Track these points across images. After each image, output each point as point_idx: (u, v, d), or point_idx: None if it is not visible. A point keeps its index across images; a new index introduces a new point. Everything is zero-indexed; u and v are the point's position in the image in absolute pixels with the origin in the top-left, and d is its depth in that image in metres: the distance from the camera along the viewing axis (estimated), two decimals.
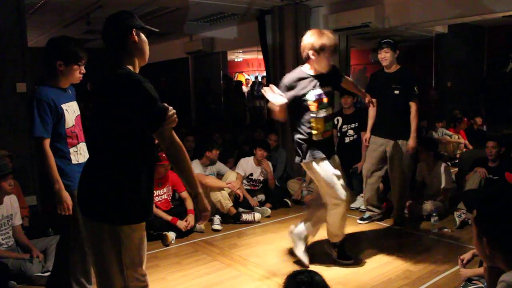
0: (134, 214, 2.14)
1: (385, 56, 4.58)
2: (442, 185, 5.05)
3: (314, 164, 3.62)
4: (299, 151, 3.68)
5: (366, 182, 4.96)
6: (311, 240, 4.01)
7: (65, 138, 2.85)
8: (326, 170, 3.61)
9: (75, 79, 2.91)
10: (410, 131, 4.54)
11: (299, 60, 6.70)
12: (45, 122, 2.74)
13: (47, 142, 2.75)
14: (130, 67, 2.16)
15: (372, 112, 4.84)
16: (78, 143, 2.94)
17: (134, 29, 2.17)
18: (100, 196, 2.13)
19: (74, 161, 2.90)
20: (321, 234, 4.02)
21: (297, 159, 3.72)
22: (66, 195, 2.77)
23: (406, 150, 4.57)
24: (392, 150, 4.64)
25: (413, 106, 4.55)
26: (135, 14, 2.28)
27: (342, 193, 3.59)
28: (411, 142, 4.54)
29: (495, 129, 6.75)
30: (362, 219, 5.01)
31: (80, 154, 2.95)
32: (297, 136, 3.69)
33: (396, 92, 4.55)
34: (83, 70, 2.91)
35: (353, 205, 5.57)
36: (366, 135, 4.93)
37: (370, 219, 4.99)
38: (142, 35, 2.23)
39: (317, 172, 3.62)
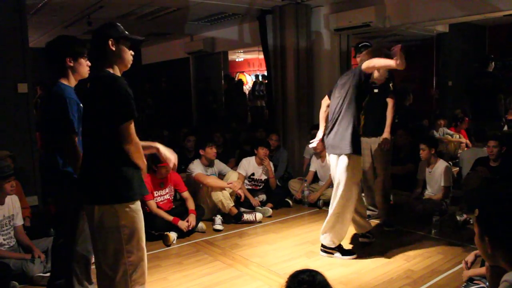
0: (126, 193, 2.41)
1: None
2: (442, 184, 5.04)
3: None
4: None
5: (367, 181, 4.99)
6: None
7: (80, 136, 2.87)
8: None
9: (85, 73, 2.98)
10: (392, 127, 4.69)
11: (300, 59, 6.74)
12: (75, 120, 2.80)
13: (77, 139, 2.82)
14: (110, 70, 2.45)
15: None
16: None
17: (111, 39, 2.44)
18: (96, 181, 2.42)
19: None
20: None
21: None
22: (163, 149, 2.81)
23: (379, 145, 4.66)
24: (375, 148, 4.75)
25: (389, 102, 4.66)
26: (120, 25, 2.54)
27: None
28: (384, 135, 4.64)
29: (479, 127, 6.82)
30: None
31: None
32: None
33: (375, 90, 4.65)
34: (89, 63, 2.99)
35: None
36: None
37: (369, 217, 4.99)
38: (121, 44, 2.48)
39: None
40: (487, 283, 2.61)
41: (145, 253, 2.51)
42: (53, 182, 2.96)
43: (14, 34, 4.96)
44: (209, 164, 5.35)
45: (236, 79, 12.69)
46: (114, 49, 2.45)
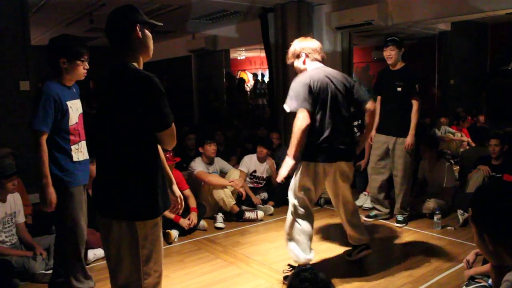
0: (150, 209, 2.14)
1: (390, 54, 4.62)
2: (444, 184, 5.04)
3: None
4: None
5: (371, 179, 4.98)
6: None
7: (68, 135, 2.88)
8: None
9: (79, 75, 2.94)
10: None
11: None
12: (48, 117, 2.77)
13: (44, 136, 2.79)
14: (135, 64, 2.14)
15: (378, 110, 4.83)
16: (80, 141, 2.97)
17: (138, 25, 2.13)
18: (116, 194, 2.13)
19: (75, 159, 2.93)
20: (320, 231, 4.02)
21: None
22: (51, 192, 2.82)
23: (404, 147, 4.59)
24: (394, 148, 4.67)
25: (414, 104, 4.56)
26: (139, 9, 2.24)
27: None
28: (409, 139, 4.57)
29: (497, 126, 6.74)
30: (368, 216, 5.00)
31: (80, 152, 2.97)
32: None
33: (399, 89, 4.58)
34: (86, 66, 2.94)
35: (356, 203, 5.56)
36: (372, 133, 4.91)
37: (376, 217, 4.99)
38: (146, 31, 2.18)
39: None
40: (489, 281, 2.61)
41: (162, 275, 2.27)
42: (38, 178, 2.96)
43: (16, 32, 4.98)
44: (210, 161, 5.35)
45: (237, 77, 12.69)
46: (141, 36, 2.13)
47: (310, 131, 3.28)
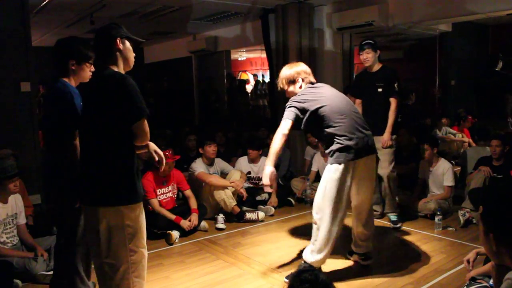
0: (133, 194, 2.44)
1: (367, 57, 4.70)
2: (445, 184, 5.03)
3: None
4: None
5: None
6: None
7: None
8: None
9: (85, 78, 2.95)
10: (395, 127, 4.68)
11: (302, 58, 6.72)
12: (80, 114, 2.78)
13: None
14: (115, 68, 2.45)
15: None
16: None
17: (118, 38, 2.46)
18: (102, 184, 2.41)
19: None
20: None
21: None
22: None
23: (381, 145, 4.63)
24: (378, 147, 4.69)
25: (392, 102, 4.63)
26: (123, 25, 2.56)
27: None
28: (385, 136, 4.63)
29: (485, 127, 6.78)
30: (394, 222, 4.87)
31: None
32: None
33: (380, 90, 4.66)
34: (92, 68, 2.96)
35: None
36: None
37: (400, 219, 4.91)
38: (127, 44, 2.51)
39: None
40: (490, 282, 2.61)
41: (146, 250, 2.53)
42: (51, 180, 2.96)
43: (17, 33, 4.98)
44: (210, 162, 5.35)
45: (238, 78, 12.68)
46: (121, 47, 2.47)
47: None
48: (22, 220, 3.82)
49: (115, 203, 2.39)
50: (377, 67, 4.73)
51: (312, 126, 3.53)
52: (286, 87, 3.61)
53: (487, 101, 6.58)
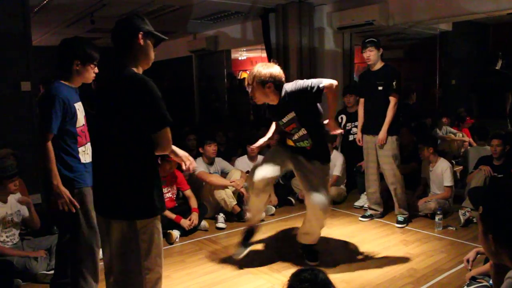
0: (149, 209, 2.23)
1: (369, 55, 4.68)
2: (445, 184, 5.03)
3: None
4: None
5: (368, 180, 4.99)
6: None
7: (76, 137, 2.88)
8: None
9: (89, 78, 2.95)
10: (396, 127, 4.68)
11: (303, 58, 6.73)
12: (57, 119, 2.78)
13: (51, 138, 2.80)
14: (134, 69, 2.23)
15: (361, 111, 4.95)
16: (86, 143, 2.97)
17: (141, 33, 2.23)
18: (116, 195, 2.21)
19: (82, 161, 2.93)
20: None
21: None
22: (64, 190, 2.80)
23: (393, 145, 4.65)
24: (378, 147, 4.73)
25: (391, 100, 4.62)
26: (145, 18, 2.32)
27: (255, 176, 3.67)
28: (380, 134, 4.63)
29: (485, 125, 6.77)
30: (363, 216, 5.04)
31: (87, 154, 2.97)
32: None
33: (380, 88, 4.65)
34: (96, 70, 2.96)
35: (357, 204, 5.58)
36: (358, 135, 5.03)
37: (371, 217, 5.03)
38: (149, 40, 2.28)
39: None
40: (490, 281, 2.60)
41: (162, 270, 2.33)
42: (48, 182, 2.96)
43: (17, 33, 4.98)
44: (210, 162, 5.35)
45: (238, 77, 12.67)
46: (142, 44, 2.24)
47: None
48: (26, 213, 3.81)
49: (129, 217, 2.19)
50: (379, 65, 4.71)
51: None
52: (253, 86, 3.51)
53: (486, 100, 6.58)
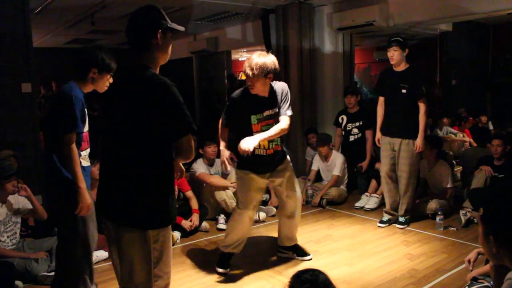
0: (163, 218, 2.18)
1: (393, 54, 4.55)
2: (444, 185, 5.03)
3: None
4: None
5: (386, 184, 4.83)
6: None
7: (80, 142, 2.87)
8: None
9: (103, 88, 2.92)
10: (417, 130, 4.53)
11: (303, 59, 6.73)
12: (78, 119, 2.75)
13: (75, 138, 2.75)
14: (152, 68, 2.14)
15: (380, 111, 4.82)
16: (87, 148, 2.97)
17: (160, 30, 2.12)
18: (129, 201, 2.12)
19: (82, 164, 2.92)
20: (322, 233, 4.02)
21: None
22: (88, 196, 2.78)
23: (413, 149, 4.54)
24: (400, 149, 4.61)
25: (421, 106, 4.52)
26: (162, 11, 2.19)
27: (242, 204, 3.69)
28: (419, 141, 4.51)
29: (501, 127, 6.72)
30: (382, 222, 4.83)
31: (87, 158, 2.98)
32: None
33: (404, 91, 4.53)
34: (111, 80, 2.92)
35: (357, 204, 5.57)
36: (377, 135, 4.88)
37: (389, 222, 4.84)
38: (167, 36, 2.17)
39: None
40: (491, 282, 2.60)
41: (170, 275, 2.31)
42: (50, 183, 2.95)
43: (18, 34, 4.98)
44: (211, 163, 5.35)
45: (239, 78, 12.68)
46: (161, 42, 2.13)
47: None
48: (29, 206, 3.80)
49: (143, 226, 2.11)
50: (403, 66, 4.59)
51: None
52: (259, 78, 3.42)
53: (501, 100, 6.50)
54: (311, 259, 3.94)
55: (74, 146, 2.73)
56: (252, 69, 3.38)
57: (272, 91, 3.58)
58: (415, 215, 4.97)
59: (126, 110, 2.09)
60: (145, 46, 2.12)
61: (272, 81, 3.53)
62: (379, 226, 4.82)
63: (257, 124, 3.55)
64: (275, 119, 3.58)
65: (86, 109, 2.87)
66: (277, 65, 3.48)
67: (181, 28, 2.23)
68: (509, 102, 6.28)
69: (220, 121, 3.75)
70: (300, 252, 4.00)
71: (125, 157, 2.12)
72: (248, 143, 3.30)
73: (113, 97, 2.24)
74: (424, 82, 4.56)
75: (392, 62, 4.62)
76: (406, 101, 4.54)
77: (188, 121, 2.05)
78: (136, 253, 2.12)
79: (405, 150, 4.58)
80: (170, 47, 2.21)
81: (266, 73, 3.40)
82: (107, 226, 2.25)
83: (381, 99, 4.83)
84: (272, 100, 3.58)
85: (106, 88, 2.90)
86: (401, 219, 4.77)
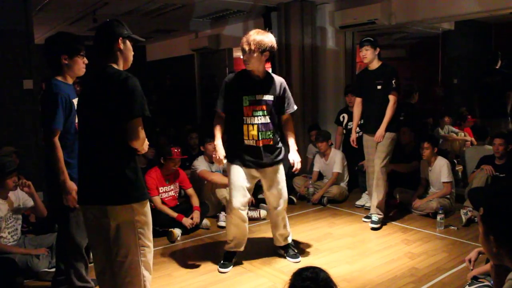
0: (142, 191, 2.45)
1: (365, 54, 4.65)
2: (442, 180, 5.02)
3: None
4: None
5: (369, 179, 4.91)
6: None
7: (74, 134, 2.89)
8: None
9: (80, 71, 2.99)
10: (396, 125, 4.65)
11: (305, 57, 6.72)
12: (62, 115, 2.82)
13: (58, 134, 2.82)
14: (115, 66, 2.42)
15: (356, 111, 4.96)
16: None
17: (120, 38, 2.43)
18: (107, 181, 2.37)
19: None
20: (323, 231, 4.02)
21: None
22: (72, 184, 2.82)
23: (373, 140, 4.62)
24: (377, 145, 4.70)
25: (391, 98, 4.58)
26: (125, 23, 2.51)
27: (234, 203, 3.64)
28: (378, 131, 4.56)
29: (488, 124, 6.77)
30: (373, 222, 4.73)
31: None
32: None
33: (379, 87, 4.63)
34: (85, 60, 3.00)
35: (358, 203, 5.57)
36: (352, 136, 4.98)
37: (381, 222, 4.79)
38: (128, 44, 2.49)
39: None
40: (492, 282, 2.60)
41: (152, 244, 2.54)
42: (51, 177, 2.97)
43: (19, 31, 4.99)
44: (212, 160, 5.35)
45: None
46: (122, 48, 2.44)
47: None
48: (30, 203, 3.82)
49: (126, 201, 2.37)
50: (376, 64, 4.69)
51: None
52: (254, 54, 3.46)
53: (488, 100, 6.59)
54: (299, 262, 3.86)
55: (55, 140, 2.80)
56: (249, 44, 3.45)
57: (269, 77, 3.62)
58: (415, 214, 4.98)
59: (93, 103, 2.39)
60: (109, 52, 2.43)
61: (267, 59, 3.54)
62: (363, 221, 4.93)
63: (248, 107, 3.54)
64: (268, 108, 3.57)
65: (74, 101, 2.89)
66: (274, 44, 3.51)
67: (141, 39, 2.61)
68: (496, 101, 6.41)
69: (216, 108, 3.80)
70: (290, 253, 3.94)
71: (97, 145, 2.39)
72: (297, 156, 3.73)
73: (83, 92, 2.57)
74: (395, 76, 4.61)
75: (364, 61, 4.74)
76: (382, 97, 4.62)
77: (140, 106, 2.29)
78: (122, 227, 2.37)
79: (380, 144, 4.63)
80: (131, 54, 2.52)
81: (262, 50, 3.44)
82: (87, 214, 2.47)
83: (358, 100, 4.94)
84: (267, 86, 3.59)
85: (84, 70, 2.99)
86: (374, 218, 4.69)
